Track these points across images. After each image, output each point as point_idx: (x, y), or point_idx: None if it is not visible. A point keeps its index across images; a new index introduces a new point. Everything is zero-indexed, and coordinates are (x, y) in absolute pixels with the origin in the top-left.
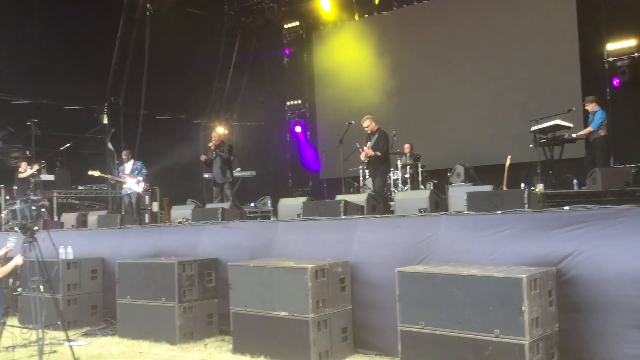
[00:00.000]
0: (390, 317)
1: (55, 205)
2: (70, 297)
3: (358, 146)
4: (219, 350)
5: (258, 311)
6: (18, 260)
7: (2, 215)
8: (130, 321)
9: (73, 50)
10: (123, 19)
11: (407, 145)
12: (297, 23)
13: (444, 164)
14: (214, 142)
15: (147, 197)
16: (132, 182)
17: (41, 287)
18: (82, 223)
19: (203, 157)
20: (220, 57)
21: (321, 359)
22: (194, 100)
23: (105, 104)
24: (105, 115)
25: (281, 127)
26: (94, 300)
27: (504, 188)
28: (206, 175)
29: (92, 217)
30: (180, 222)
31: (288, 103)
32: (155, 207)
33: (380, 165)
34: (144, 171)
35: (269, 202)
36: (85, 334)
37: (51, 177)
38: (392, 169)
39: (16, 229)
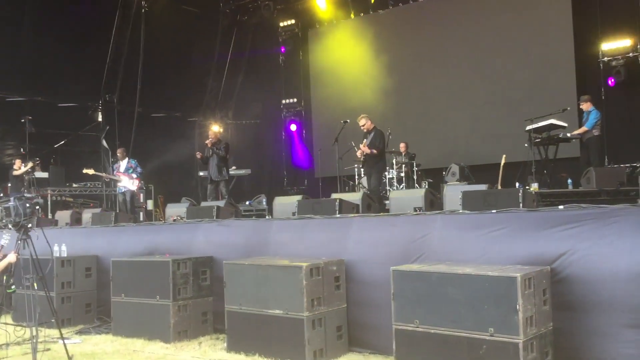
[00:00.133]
0: (385, 316)
1: (49, 203)
2: (64, 295)
3: (353, 145)
4: (213, 349)
5: (253, 309)
6: (11, 257)
7: None
8: (124, 319)
9: (68, 47)
10: (118, 16)
11: (402, 144)
12: (293, 21)
13: (439, 163)
14: (210, 139)
15: (141, 195)
16: (127, 180)
17: (35, 285)
18: (76, 221)
19: (199, 154)
20: (216, 55)
21: (316, 357)
22: (189, 98)
23: (100, 102)
24: (99, 113)
25: (276, 125)
26: (88, 298)
27: (499, 187)
28: (201, 173)
29: (87, 214)
30: (175, 220)
31: (283, 101)
32: (149, 205)
33: (376, 163)
34: (139, 169)
35: (264, 200)
36: (79, 332)
37: (45, 175)
38: (387, 168)
39: (10, 226)
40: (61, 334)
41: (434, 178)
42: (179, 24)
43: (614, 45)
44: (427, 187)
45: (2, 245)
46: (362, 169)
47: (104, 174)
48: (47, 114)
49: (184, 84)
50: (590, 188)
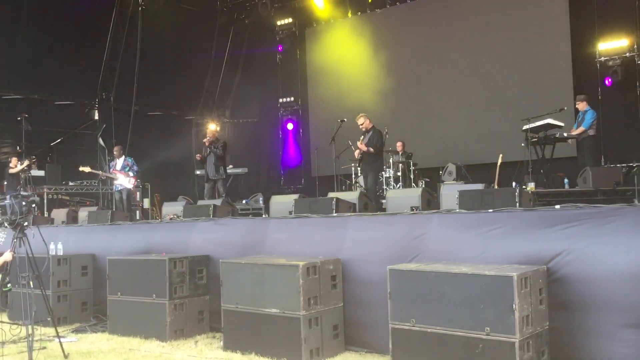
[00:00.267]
0: (382, 315)
1: (45, 201)
2: (60, 294)
3: (350, 144)
4: (209, 348)
5: (249, 308)
6: (7, 256)
7: None
8: (120, 318)
9: (64, 45)
10: (115, 14)
11: (399, 143)
12: (290, 20)
13: (436, 162)
14: (208, 138)
15: (138, 194)
16: (123, 178)
17: (31, 283)
18: (72, 219)
19: (199, 156)
20: (213, 54)
21: (312, 356)
22: (186, 96)
23: (97, 100)
24: (96, 111)
25: (274, 124)
26: (84, 296)
27: (496, 187)
28: (198, 172)
29: (83, 213)
30: (171, 219)
31: (280, 100)
32: (146, 203)
33: (373, 162)
34: (135, 168)
35: (260, 199)
36: (75, 331)
37: (41, 173)
38: (384, 167)
39: (6, 224)
40: (57, 332)
41: (431, 177)
42: (176, 22)
43: (611, 45)
44: (423, 186)
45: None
46: (358, 168)
47: (100, 172)
48: (44, 112)
49: (181, 82)
50: (586, 188)
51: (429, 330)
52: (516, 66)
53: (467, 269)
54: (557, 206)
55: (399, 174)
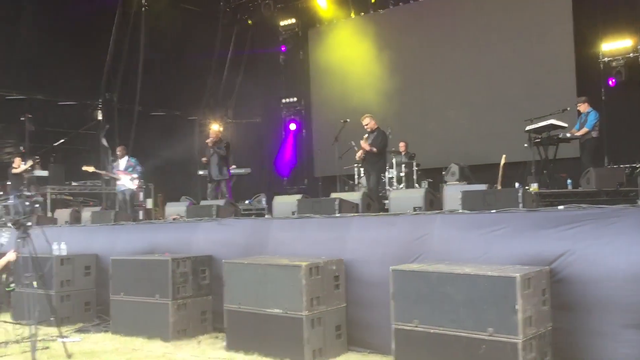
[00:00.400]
0: (384, 315)
1: (49, 202)
2: (63, 293)
3: (353, 144)
4: (212, 347)
5: (252, 308)
6: (11, 256)
7: None
8: (123, 318)
9: (67, 45)
10: (118, 15)
11: (402, 144)
12: (293, 20)
13: (439, 163)
14: (211, 139)
15: (141, 194)
16: (126, 179)
17: (34, 283)
18: (75, 219)
19: (204, 159)
20: (216, 54)
21: (315, 356)
22: (188, 96)
23: (100, 100)
24: (99, 111)
25: (277, 124)
26: (87, 296)
27: (499, 187)
28: (201, 172)
29: (86, 213)
30: (174, 219)
31: (283, 100)
32: (149, 203)
33: (375, 163)
34: (139, 168)
35: (263, 199)
36: (79, 330)
37: (45, 173)
38: (387, 168)
39: (9, 224)
40: (60, 332)
41: (434, 178)
42: (179, 22)
43: (615, 45)
44: (426, 186)
45: (2, 244)
46: (361, 169)
47: (103, 172)
48: (47, 112)
49: (184, 82)
50: (589, 188)
51: (431, 330)
52: (519, 66)
53: (470, 269)
54: (560, 207)
55: (402, 174)
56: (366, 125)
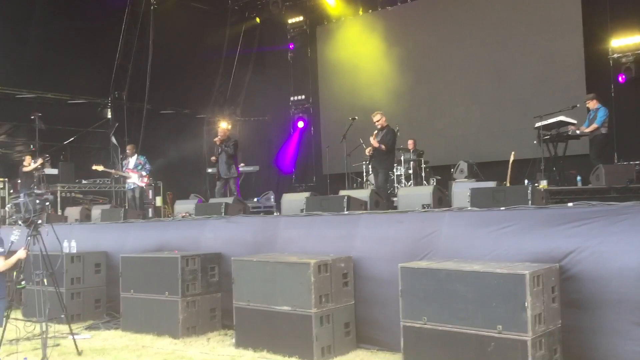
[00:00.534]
0: (393, 313)
1: (59, 199)
2: (73, 291)
3: (362, 142)
4: (221, 345)
5: (261, 306)
6: (21, 253)
7: (6, 208)
8: (133, 315)
9: (77, 44)
10: (127, 14)
11: (410, 141)
12: (301, 18)
13: (447, 160)
14: (219, 137)
15: (150, 192)
16: (136, 177)
17: (45, 281)
18: (85, 217)
19: (213, 158)
20: (224, 52)
21: (324, 353)
22: (197, 95)
23: (109, 99)
24: (109, 110)
25: (285, 122)
26: (97, 293)
27: (508, 184)
28: (209, 170)
29: (96, 211)
30: (183, 217)
31: (292, 98)
32: (158, 201)
33: (384, 160)
34: (148, 166)
35: (272, 197)
36: (89, 328)
37: (55, 171)
38: (395, 165)
39: (20, 222)
40: (71, 329)
41: (442, 175)
42: (187, 21)
43: (624, 41)
44: (435, 184)
45: (12, 242)
46: (369, 166)
47: (113, 171)
48: (57, 110)
49: (193, 80)
50: (599, 185)
51: (440, 328)
52: (528, 63)
53: (478, 267)
54: (570, 204)
55: (410, 171)
56: (377, 121)
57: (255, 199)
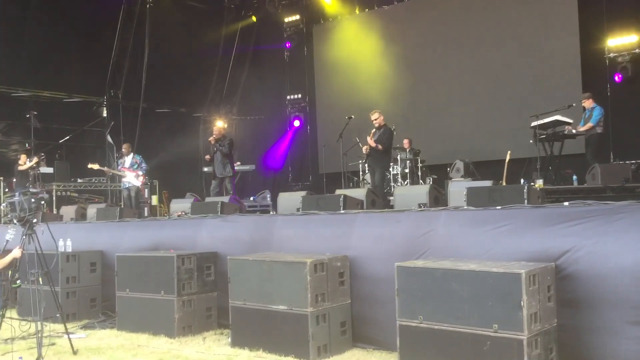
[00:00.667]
0: (389, 312)
1: (54, 198)
2: (69, 290)
3: (358, 141)
4: (217, 344)
5: (257, 305)
6: (16, 252)
7: (1, 207)
8: (129, 314)
9: (73, 42)
10: (123, 12)
11: (406, 140)
12: (298, 17)
13: (443, 159)
14: (214, 136)
15: (146, 191)
16: (132, 176)
17: (40, 280)
18: (81, 216)
19: (207, 157)
20: (220, 51)
21: (320, 353)
22: (193, 93)
23: (105, 97)
24: (104, 108)
25: (281, 121)
26: (92, 293)
27: (504, 183)
28: (205, 169)
29: (92, 210)
30: (179, 216)
31: (288, 97)
32: (154, 200)
33: (381, 159)
34: (144, 165)
35: (268, 196)
36: (84, 327)
37: (50, 170)
38: (391, 164)
39: (15, 221)
40: (66, 328)
41: (439, 174)
42: (183, 20)
43: (620, 41)
44: (431, 183)
45: (7, 240)
46: (366, 165)
47: (106, 168)
48: (52, 109)
49: (189, 79)
50: (595, 184)
51: (436, 327)
52: (524, 62)
53: (475, 266)
54: (566, 203)
55: (407, 170)
56: (375, 120)
57: (252, 198)
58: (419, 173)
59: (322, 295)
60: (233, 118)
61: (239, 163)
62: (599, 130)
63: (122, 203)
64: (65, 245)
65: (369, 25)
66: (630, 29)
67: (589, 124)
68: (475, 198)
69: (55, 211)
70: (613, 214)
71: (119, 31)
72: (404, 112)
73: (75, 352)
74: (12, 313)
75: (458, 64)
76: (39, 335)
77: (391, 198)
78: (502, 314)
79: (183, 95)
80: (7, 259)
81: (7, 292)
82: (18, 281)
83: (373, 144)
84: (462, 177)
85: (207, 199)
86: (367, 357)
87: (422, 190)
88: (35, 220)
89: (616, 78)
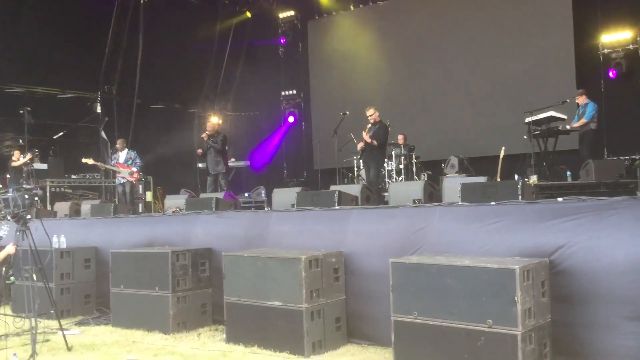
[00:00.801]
0: (384, 307)
1: (48, 194)
2: (63, 286)
3: (352, 137)
4: (212, 340)
5: (252, 301)
6: (10, 249)
7: None
8: (123, 310)
9: (66, 38)
10: (117, 7)
11: (400, 136)
12: (292, 12)
13: (438, 155)
14: (207, 132)
15: (140, 187)
16: (126, 171)
17: (34, 276)
18: (75, 212)
19: (199, 151)
20: (215, 46)
21: (315, 348)
22: (188, 89)
23: (99, 93)
24: (98, 104)
25: (276, 117)
26: (87, 289)
27: (498, 179)
28: (200, 165)
29: (86, 206)
30: (174, 212)
31: (283, 93)
32: (148, 196)
33: (376, 155)
34: (138, 161)
35: (263, 192)
36: (79, 323)
37: (44, 166)
38: (386, 160)
39: (9, 217)
40: (60, 325)
41: (433, 170)
42: (177, 15)
43: (614, 37)
44: (426, 179)
45: (1, 237)
46: (360, 161)
47: (99, 163)
48: (46, 105)
49: (183, 75)
50: (589, 180)
51: (431, 322)
52: (519, 58)
53: (469, 261)
54: (560, 199)
55: (401, 166)
56: (370, 116)
57: (246, 194)
58: (414, 169)
59: (317, 291)
60: (227, 114)
61: (233, 159)
62: (592, 126)
63: (116, 199)
64: (60, 241)
65: (364, 21)
66: (624, 25)
67: (583, 120)
68: (469, 194)
69: (49, 207)
70: (607, 210)
71: (113, 27)
72: (399, 108)
73: (69, 349)
74: (6, 310)
75: (453, 60)
76: (33, 331)
77: (386, 194)
78: (497, 310)
79: (177, 91)
80: (1, 255)
81: (1, 289)
82: (12, 277)
83: (368, 140)
84: (456, 173)
85: (202, 195)
86: (362, 353)
87: (416, 186)
88: (29, 217)
89: (610, 74)
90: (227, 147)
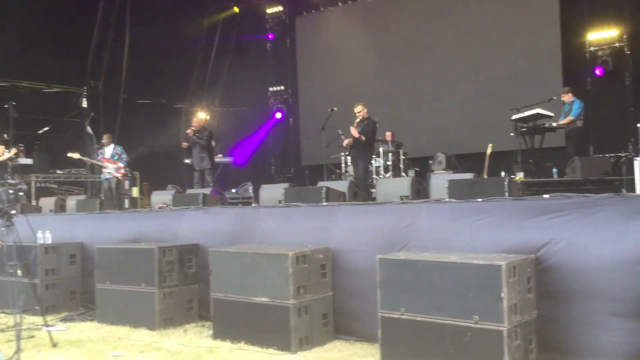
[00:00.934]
0: (371, 304)
1: (33, 190)
2: (48, 282)
3: (340, 133)
4: (199, 336)
5: (238, 297)
6: None
7: None
8: (109, 306)
9: (52, 32)
10: (103, 2)
11: (388, 133)
12: (280, 8)
13: (425, 152)
14: (193, 127)
15: (126, 182)
16: (112, 167)
17: (19, 272)
18: (60, 207)
19: (185, 144)
20: (202, 41)
21: (302, 344)
22: (175, 84)
23: (85, 88)
24: (84, 99)
25: (263, 113)
26: (72, 285)
27: (485, 176)
28: (187, 161)
29: (71, 201)
30: (160, 208)
31: (271, 89)
32: (135, 192)
33: (364, 151)
34: (124, 157)
35: (250, 188)
36: (64, 319)
37: (29, 161)
38: (374, 157)
39: None
40: (45, 321)
41: (421, 167)
42: (165, 9)
43: (601, 35)
44: (413, 175)
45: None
46: (348, 157)
47: (86, 158)
48: (31, 99)
49: (170, 70)
50: (575, 177)
51: (418, 318)
52: (506, 55)
53: (456, 257)
54: (546, 195)
55: (389, 163)
56: (358, 112)
57: (234, 190)
58: (401, 165)
59: (304, 287)
60: (215, 109)
61: (220, 155)
62: (579, 124)
63: (102, 195)
64: (45, 237)
65: (352, 17)
66: (610, 23)
67: (570, 118)
68: (456, 190)
69: (34, 203)
70: (592, 207)
71: (99, 21)
72: (387, 104)
73: (54, 345)
74: None
75: (440, 57)
76: (18, 328)
77: (373, 190)
78: (483, 306)
79: (164, 86)
80: None
81: None
82: None
83: (357, 135)
84: (443, 169)
85: (189, 191)
86: (349, 349)
87: (404, 183)
88: (13, 212)
89: (597, 72)
90: (213, 143)
